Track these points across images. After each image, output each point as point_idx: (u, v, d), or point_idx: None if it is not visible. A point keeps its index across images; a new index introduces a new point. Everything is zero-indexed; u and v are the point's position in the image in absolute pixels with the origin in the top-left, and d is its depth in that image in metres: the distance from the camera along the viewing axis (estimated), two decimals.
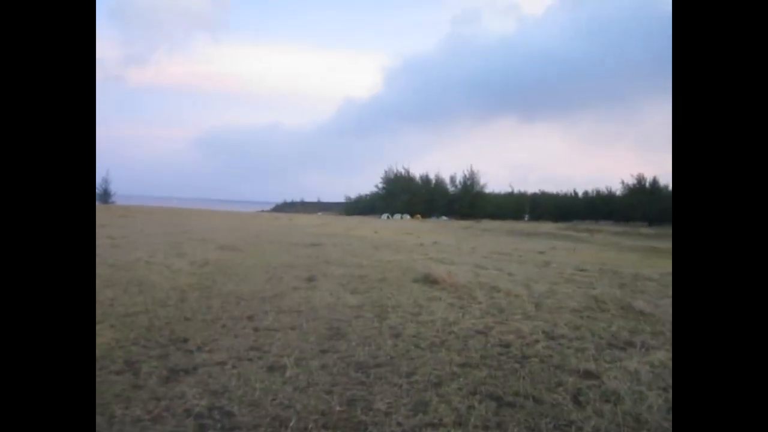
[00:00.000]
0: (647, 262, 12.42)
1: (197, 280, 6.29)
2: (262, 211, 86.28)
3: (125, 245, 10.10)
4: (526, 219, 75.34)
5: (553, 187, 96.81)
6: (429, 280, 6.76)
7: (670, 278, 7.87)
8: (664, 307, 5.42)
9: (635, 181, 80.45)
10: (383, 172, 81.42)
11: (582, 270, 9.56)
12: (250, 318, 4.38)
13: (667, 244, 18.13)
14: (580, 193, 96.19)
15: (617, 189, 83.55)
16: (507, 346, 3.79)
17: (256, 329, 4.01)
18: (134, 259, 7.69)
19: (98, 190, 53.49)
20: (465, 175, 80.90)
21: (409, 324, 4.37)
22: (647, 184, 78.81)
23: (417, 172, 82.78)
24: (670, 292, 6.46)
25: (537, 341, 3.95)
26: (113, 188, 53.73)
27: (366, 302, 5.29)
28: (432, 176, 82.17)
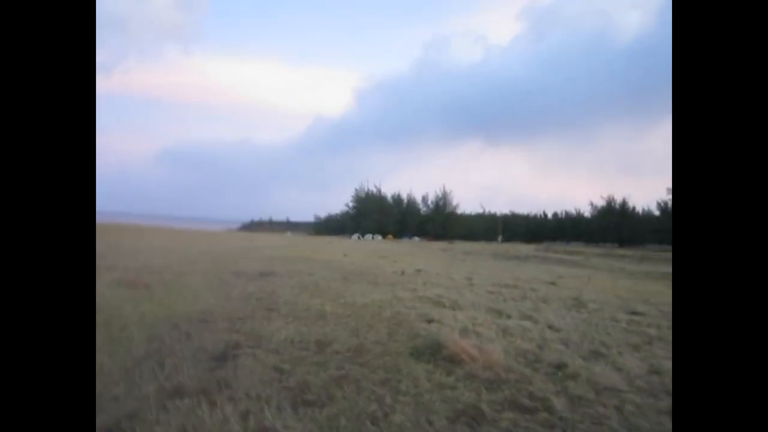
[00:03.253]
0: None
1: None
2: (230, 230, 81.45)
3: None
4: (499, 240, 74.19)
5: (518, 208, 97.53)
6: (442, 356, 3.75)
7: None
8: None
9: (605, 203, 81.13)
10: (354, 191, 78.69)
11: (636, 313, 6.82)
12: None
13: (669, 269, 15.86)
14: (549, 215, 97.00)
15: (585, 210, 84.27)
16: None
17: None
18: None
19: None
20: (437, 195, 79.19)
21: None
22: (617, 206, 79.56)
23: (388, 191, 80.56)
24: None
25: None
26: None
27: None
28: (404, 196, 79.98)
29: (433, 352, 3.84)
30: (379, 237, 66.59)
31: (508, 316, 6.10)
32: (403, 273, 12.03)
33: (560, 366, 3.73)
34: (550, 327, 5.49)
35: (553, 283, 11.33)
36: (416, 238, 69.43)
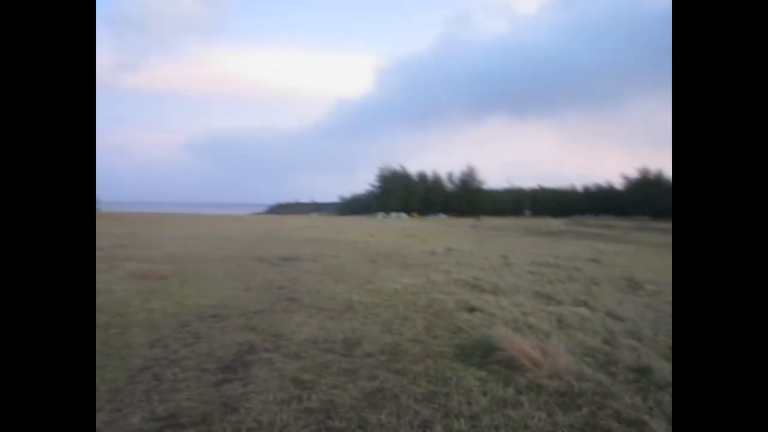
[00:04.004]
0: None
1: None
2: (256, 213, 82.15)
3: None
4: (527, 215, 72.41)
5: (545, 182, 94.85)
6: (496, 359, 3.09)
7: None
8: None
9: (638, 175, 77.78)
10: (378, 170, 77.81)
11: None
12: None
13: None
14: (579, 188, 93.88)
15: (616, 183, 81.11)
16: None
17: None
18: None
19: None
20: (463, 172, 77.61)
21: None
22: (651, 178, 76.25)
23: (413, 169, 79.37)
24: None
25: None
26: (101, 196, 51.01)
27: None
28: (429, 173, 78.67)
29: (484, 354, 3.18)
30: (405, 215, 65.85)
31: (559, 302, 5.38)
32: (433, 253, 11.37)
33: (643, 371, 3.02)
34: (612, 315, 4.75)
35: (596, 261, 10.46)
36: (442, 215, 68.43)
